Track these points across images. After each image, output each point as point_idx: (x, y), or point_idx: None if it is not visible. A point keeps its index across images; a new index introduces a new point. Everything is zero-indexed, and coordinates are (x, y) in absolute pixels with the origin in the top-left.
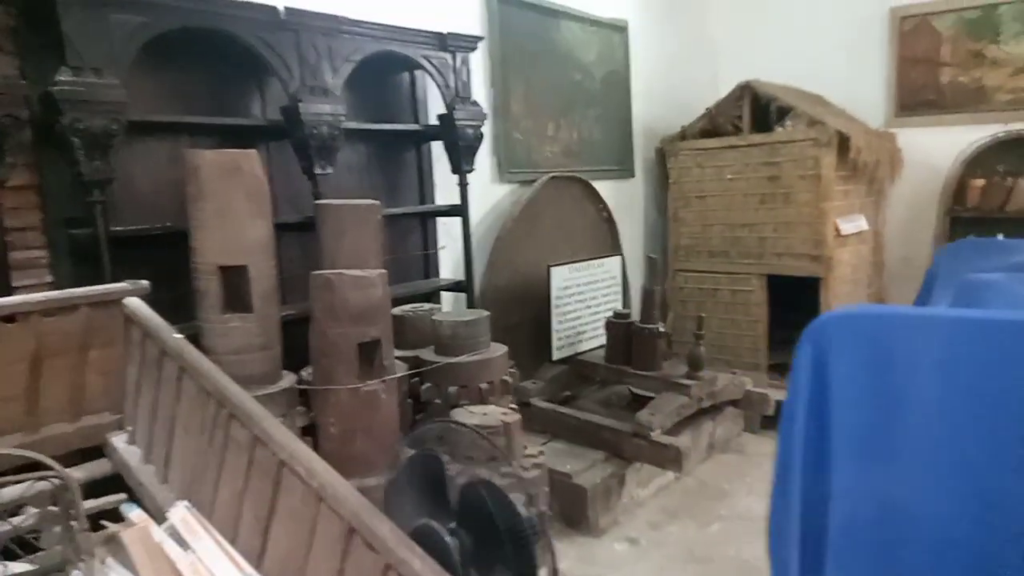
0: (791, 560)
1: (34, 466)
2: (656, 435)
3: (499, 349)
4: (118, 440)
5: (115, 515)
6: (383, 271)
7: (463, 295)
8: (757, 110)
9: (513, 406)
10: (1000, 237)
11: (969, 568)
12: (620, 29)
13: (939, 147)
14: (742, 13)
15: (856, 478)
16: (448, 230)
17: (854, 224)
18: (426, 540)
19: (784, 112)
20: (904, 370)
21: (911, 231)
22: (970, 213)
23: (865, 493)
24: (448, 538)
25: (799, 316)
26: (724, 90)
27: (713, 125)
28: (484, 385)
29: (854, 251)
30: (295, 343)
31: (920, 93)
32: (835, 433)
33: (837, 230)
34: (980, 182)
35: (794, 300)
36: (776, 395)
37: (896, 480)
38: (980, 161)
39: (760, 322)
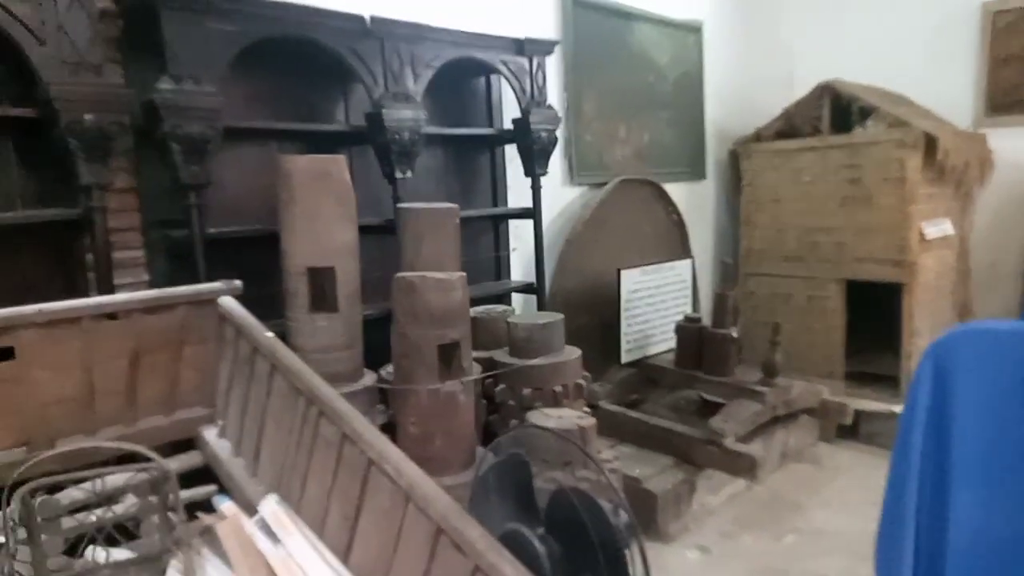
0: None
1: (131, 457)
2: (729, 442)
3: (573, 352)
4: (209, 433)
5: (206, 506)
6: (463, 274)
7: (533, 297)
8: (837, 111)
9: (587, 410)
10: None
11: None
12: (694, 30)
13: None
14: (819, 12)
15: (986, 507)
16: (519, 233)
17: (939, 228)
18: (515, 546)
19: (866, 113)
20: None
21: (999, 237)
22: None
23: (997, 523)
24: (538, 545)
25: (876, 323)
26: (800, 91)
27: (790, 126)
28: (558, 388)
29: (938, 257)
30: (373, 342)
31: (1013, 92)
32: (958, 456)
33: (921, 235)
34: None
35: (871, 307)
36: (854, 404)
37: None
38: None
39: (837, 329)
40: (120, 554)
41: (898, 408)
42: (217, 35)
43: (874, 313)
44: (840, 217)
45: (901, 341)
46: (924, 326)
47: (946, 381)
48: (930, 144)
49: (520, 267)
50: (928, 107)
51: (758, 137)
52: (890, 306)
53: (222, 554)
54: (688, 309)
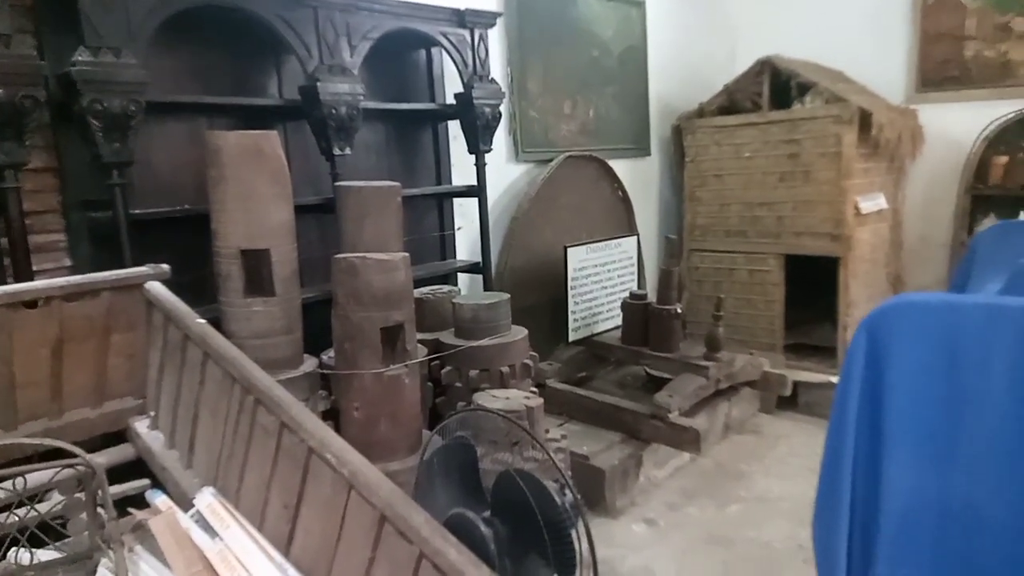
0: (839, 552)
1: (58, 452)
2: (674, 416)
3: (520, 332)
4: (140, 425)
5: (139, 501)
6: (406, 254)
7: (479, 276)
8: (777, 86)
9: (534, 389)
10: (1023, 216)
11: None
12: (638, 4)
13: (961, 124)
14: None
15: (917, 474)
16: (464, 211)
17: (874, 202)
18: (461, 530)
19: (804, 88)
20: (972, 362)
21: (930, 210)
22: (992, 191)
23: (927, 490)
24: (484, 528)
25: (815, 296)
26: (742, 66)
27: (731, 102)
28: (505, 369)
29: (873, 230)
30: (313, 326)
31: (943, 68)
32: (891, 423)
33: (857, 209)
34: (1003, 159)
35: (810, 280)
36: (793, 376)
37: (963, 477)
38: (1003, 138)
39: (777, 302)
40: (46, 555)
41: (835, 378)
42: (139, 4)
43: (813, 286)
44: (780, 192)
45: (838, 313)
46: (860, 298)
47: (879, 352)
48: (865, 119)
49: (466, 246)
50: (863, 83)
51: (701, 112)
52: (828, 279)
53: (156, 550)
54: (634, 286)
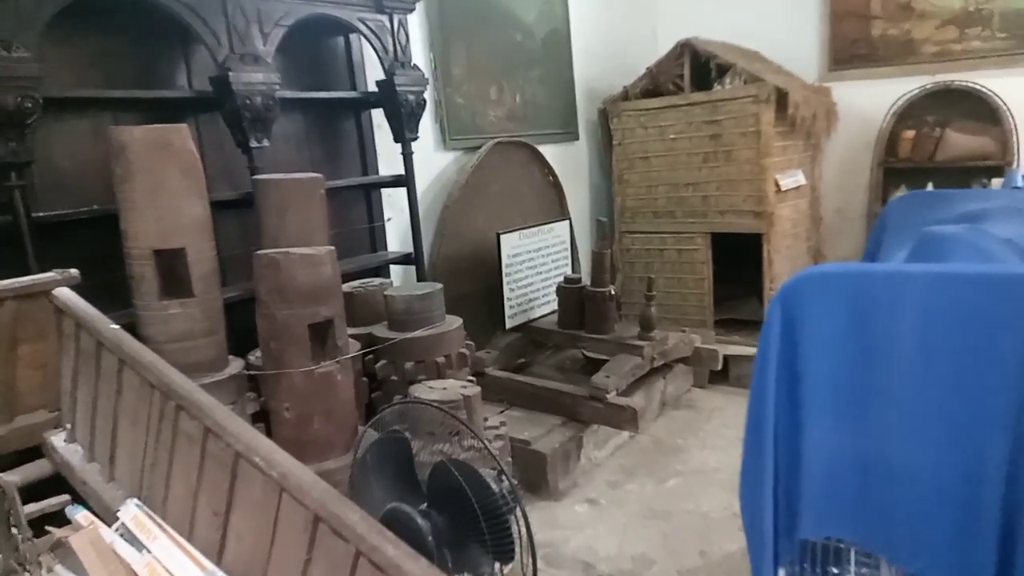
0: (765, 515)
1: None
2: (612, 397)
3: (455, 322)
4: (57, 439)
5: (60, 518)
6: (332, 248)
7: (412, 268)
8: (697, 68)
9: (471, 378)
10: (930, 187)
11: (953, 516)
12: None
13: (871, 100)
14: None
15: (834, 434)
16: (393, 201)
17: (793, 179)
18: (397, 524)
19: (723, 70)
20: (880, 326)
21: (846, 184)
22: (902, 164)
23: (844, 448)
24: (420, 520)
25: (742, 272)
26: (664, 48)
27: (655, 84)
28: (441, 359)
29: (793, 206)
30: (238, 326)
31: (852, 47)
32: (808, 391)
33: (777, 186)
34: (910, 133)
35: (737, 256)
36: (724, 350)
37: (876, 435)
38: (910, 113)
39: (705, 279)
40: None
41: None
42: None
43: (740, 262)
44: (704, 172)
45: (763, 287)
46: (783, 272)
47: (794, 322)
48: (781, 98)
49: (397, 237)
50: (779, 63)
51: (626, 96)
52: (753, 255)
53: (79, 568)
54: (568, 270)
